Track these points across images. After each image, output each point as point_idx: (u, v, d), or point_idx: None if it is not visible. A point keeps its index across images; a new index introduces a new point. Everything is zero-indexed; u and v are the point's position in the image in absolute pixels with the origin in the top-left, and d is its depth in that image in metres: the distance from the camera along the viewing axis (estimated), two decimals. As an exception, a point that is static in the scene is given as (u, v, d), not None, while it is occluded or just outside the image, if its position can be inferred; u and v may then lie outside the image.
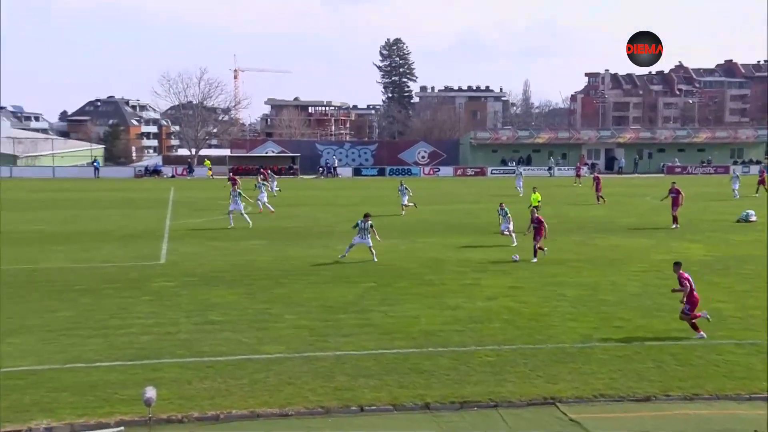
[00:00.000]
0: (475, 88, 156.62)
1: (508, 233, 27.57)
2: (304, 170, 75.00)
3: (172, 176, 71.42)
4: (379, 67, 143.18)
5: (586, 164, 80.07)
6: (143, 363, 13.24)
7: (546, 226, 24.43)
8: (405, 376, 12.79)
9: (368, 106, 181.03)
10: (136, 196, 48.84)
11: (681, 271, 15.18)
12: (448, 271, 22.47)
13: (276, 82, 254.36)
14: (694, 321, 15.10)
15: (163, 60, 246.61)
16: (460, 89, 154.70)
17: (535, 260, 23.75)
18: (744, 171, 72.85)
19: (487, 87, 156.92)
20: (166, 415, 10.93)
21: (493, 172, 76.82)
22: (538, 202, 32.91)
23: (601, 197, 44.08)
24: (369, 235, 23.94)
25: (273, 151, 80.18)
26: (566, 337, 15.13)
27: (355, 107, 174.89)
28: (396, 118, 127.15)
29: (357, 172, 76.71)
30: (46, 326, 15.61)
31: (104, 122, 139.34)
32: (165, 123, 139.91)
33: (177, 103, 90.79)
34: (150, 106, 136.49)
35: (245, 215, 32.59)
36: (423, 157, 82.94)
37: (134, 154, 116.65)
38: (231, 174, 49.11)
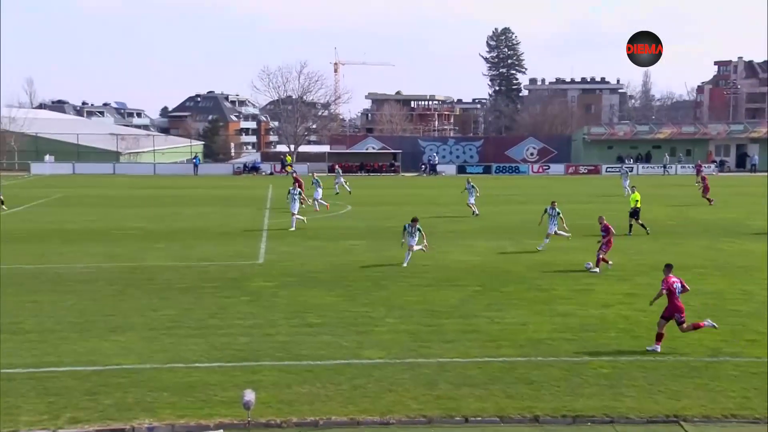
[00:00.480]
0: (589, 80, 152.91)
1: (555, 234, 26.46)
2: (406, 167, 75.32)
3: (271, 173, 73.30)
4: (485, 59, 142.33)
5: (713, 161, 76.71)
6: (242, 365, 13.66)
7: (613, 235, 23.35)
8: (512, 386, 12.65)
9: (473, 100, 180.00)
10: (235, 193, 50.43)
11: (670, 275, 14.54)
12: (558, 275, 22.10)
13: (377, 76, 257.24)
14: (662, 331, 14.45)
15: (262, 53, 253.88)
16: (572, 81, 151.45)
17: (597, 270, 22.61)
18: None
19: (603, 78, 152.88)
20: (265, 420, 11.23)
21: (609, 170, 74.72)
22: (636, 202, 31.65)
23: (708, 198, 42.33)
24: (416, 238, 23.62)
25: (373, 148, 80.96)
26: (691, 350, 14.57)
27: (459, 101, 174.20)
28: (503, 113, 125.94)
29: (461, 169, 76.32)
30: (148, 325, 16.37)
31: (204, 118, 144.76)
32: (264, 119, 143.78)
33: (276, 98, 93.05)
34: (249, 101, 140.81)
35: (299, 217, 32.41)
36: (532, 154, 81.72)
37: (233, 151, 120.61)
38: (294, 174, 49.55)
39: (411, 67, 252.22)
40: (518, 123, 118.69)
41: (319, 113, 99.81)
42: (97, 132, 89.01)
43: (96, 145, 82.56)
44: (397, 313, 17.47)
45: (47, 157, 72.36)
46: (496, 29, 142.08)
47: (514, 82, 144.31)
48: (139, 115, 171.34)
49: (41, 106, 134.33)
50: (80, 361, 13.76)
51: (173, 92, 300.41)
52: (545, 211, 26.90)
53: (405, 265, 23.29)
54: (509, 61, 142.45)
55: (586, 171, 74.89)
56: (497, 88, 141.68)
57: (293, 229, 31.66)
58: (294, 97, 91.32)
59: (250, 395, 10.45)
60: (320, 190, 39.93)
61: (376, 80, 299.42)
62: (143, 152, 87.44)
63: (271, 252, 26.25)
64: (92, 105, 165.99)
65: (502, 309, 17.91)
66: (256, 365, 13.65)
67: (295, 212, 32.40)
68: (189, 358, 14.03)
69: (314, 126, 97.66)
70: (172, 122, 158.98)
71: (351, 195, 47.37)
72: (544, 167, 76.94)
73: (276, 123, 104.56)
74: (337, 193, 48.26)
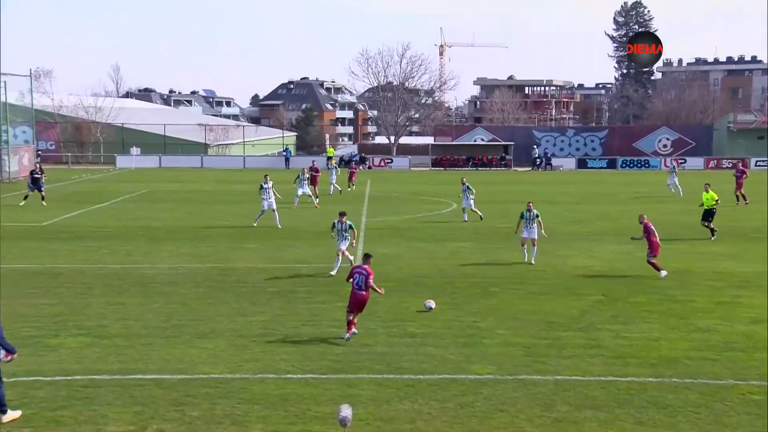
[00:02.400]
0: (736, 60, 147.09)
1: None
2: (519, 161, 74.61)
3: (369, 167, 74.04)
4: (612, 38, 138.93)
5: None
6: (338, 377, 13.85)
7: (656, 236, 22.32)
8: (642, 410, 12.32)
9: (597, 84, 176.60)
10: (329, 189, 51.10)
11: (364, 265, 16.46)
12: (698, 285, 21.45)
13: (488, 59, 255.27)
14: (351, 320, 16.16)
15: (361, 35, 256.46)
16: (716, 61, 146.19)
17: (664, 273, 22.21)
18: None
19: (754, 57, 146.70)
20: (363, 437, 11.34)
21: (759, 163, 71.72)
22: (716, 201, 29.79)
23: (741, 195, 40.74)
24: (346, 239, 22.74)
25: (482, 139, 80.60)
26: None
27: (580, 86, 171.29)
28: (631, 99, 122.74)
29: (581, 163, 74.96)
30: (237, 331, 16.83)
31: (297, 107, 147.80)
32: (362, 107, 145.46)
33: (375, 85, 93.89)
34: (346, 89, 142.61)
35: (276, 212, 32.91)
36: (665, 146, 79.35)
37: (327, 142, 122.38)
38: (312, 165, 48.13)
39: (525, 49, 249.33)
40: (649, 111, 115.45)
41: (423, 101, 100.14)
42: (185, 122, 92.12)
43: (183, 137, 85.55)
44: (508, 324, 17.36)
45: (133, 150, 75.45)
46: (625, 3, 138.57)
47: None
48: (228, 104, 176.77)
49: (128, 95, 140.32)
50: (167, 368, 14.28)
51: (264, 79, 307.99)
52: (521, 216, 25.04)
53: (333, 273, 22.29)
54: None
55: (730, 165, 71.89)
56: (625, 71, 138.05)
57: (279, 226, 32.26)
58: (395, 83, 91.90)
59: (346, 411, 10.56)
60: (303, 189, 40.59)
61: (486, 64, 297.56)
62: (232, 144, 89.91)
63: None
64: (179, 93, 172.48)
65: (630, 322, 17.49)
66: (352, 378, 13.81)
67: (272, 206, 32.79)
68: (281, 368, 14.33)
69: (416, 115, 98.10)
70: (262, 111, 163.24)
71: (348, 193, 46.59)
72: (680, 160, 74.48)
73: (375, 112, 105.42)
74: (330, 194, 46.88)
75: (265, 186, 33.09)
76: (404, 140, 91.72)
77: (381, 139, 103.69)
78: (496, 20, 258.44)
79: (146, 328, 17.01)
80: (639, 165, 74.13)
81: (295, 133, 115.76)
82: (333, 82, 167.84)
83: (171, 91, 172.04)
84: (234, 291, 20.74)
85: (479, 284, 21.60)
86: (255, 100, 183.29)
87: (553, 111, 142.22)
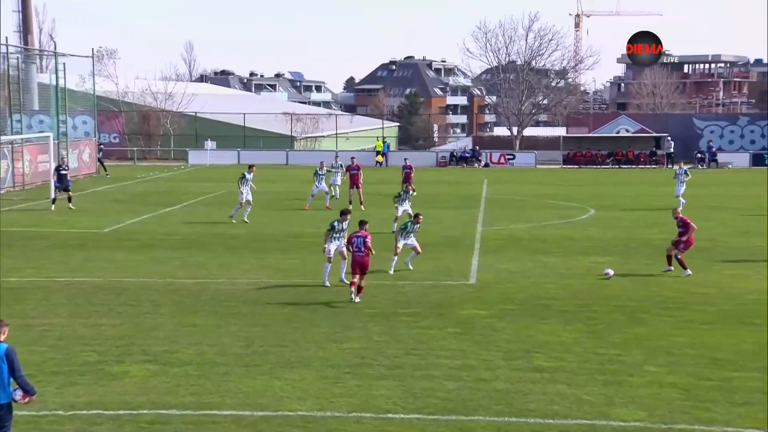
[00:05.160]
0: None
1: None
2: (675, 157, 72.89)
3: (486, 165, 73.77)
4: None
5: None
6: (448, 419, 13.82)
7: (694, 231, 25.01)
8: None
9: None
10: (439, 191, 51.17)
11: (360, 230, 21.87)
12: None
13: (635, 31, 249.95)
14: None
15: (478, 4, 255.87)
16: None
17: (689, 272, 24.65)
18: None
19: None
20: (480, 494, 11.29)
21: None
22: None
23: None
24: (342, 240, 23.47)
25: (627, 130, 79.28)
26: None
27: (757, 62, 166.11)
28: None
29: (758, 160, 72.47)
30: (328, 360, 17.01)
31: (399, 92, 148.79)
32: (478, 92, 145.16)
33: (495, 65, 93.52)
34: (459, 70, 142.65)
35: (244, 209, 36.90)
36: None
37: (436, 135, 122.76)
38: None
39: (685, 17, 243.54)
40: None
41: (553, 84, 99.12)
42: (268, 111, 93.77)
43: (266, 128, 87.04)
44: (661, 359, 17.04)
45: (208, 143, 77.08)
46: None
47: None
48: (318, 88, 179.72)
49: (202, 79, 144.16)
50: (246, 403, 14.53)
51: (361, 59, 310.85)
52: (405, 226, 26.46)
53: (328, 282, 23.28)
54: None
55: None
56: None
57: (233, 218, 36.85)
58: (519, 62, 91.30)
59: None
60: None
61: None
62: (323, 137, 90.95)
63: (487, 269, 26.40)
64: (262, 76, 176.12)
65: (824, 361, 16.87)
66: (466, 420, 13.78)
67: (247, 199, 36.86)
68: (380, 406, 14.41)
69: (545, 101, 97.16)
70: (359, 98, 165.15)
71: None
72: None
73: (494, 98, 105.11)
74: (332, 196, 45.67)
75: (247, 177, 37.47)
76: (529, 132, 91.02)
77: (501, 131, 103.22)
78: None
79: (222, 355, 17.36)
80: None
81: (398, 124, 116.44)
82: (443, 61, 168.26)
83: (252, 74, 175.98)
84: (325, 312, 20.99)
85: (623, 309, 21.28)
86: (350, 84, 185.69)
87: (721, 94, 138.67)
